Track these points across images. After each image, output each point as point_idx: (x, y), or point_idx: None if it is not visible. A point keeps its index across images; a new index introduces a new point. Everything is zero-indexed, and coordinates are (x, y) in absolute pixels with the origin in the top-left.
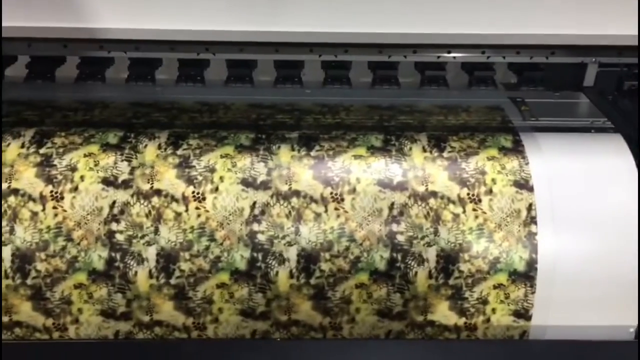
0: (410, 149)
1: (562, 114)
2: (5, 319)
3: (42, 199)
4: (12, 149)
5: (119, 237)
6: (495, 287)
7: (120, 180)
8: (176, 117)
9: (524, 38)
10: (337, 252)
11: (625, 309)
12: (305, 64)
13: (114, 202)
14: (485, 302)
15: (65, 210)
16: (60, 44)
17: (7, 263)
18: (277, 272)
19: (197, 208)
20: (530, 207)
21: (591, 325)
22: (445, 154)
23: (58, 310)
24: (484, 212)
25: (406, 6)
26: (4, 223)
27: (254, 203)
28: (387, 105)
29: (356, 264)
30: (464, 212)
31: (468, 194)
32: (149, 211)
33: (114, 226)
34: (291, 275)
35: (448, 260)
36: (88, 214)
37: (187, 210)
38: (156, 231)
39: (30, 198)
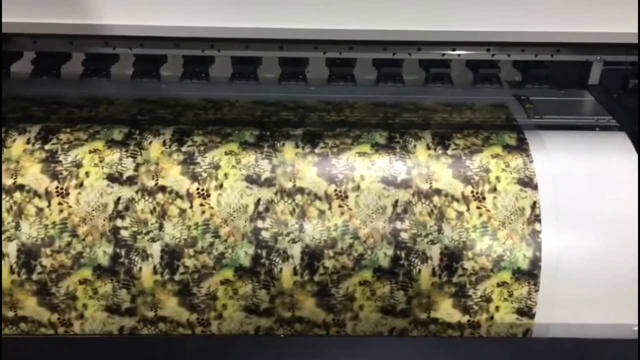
0: (415, 146)
1: (566, 112)
2: (10, 314)
3: (48, 194)
4: (18, 145)
5: (124, 233)
6: (498, 285)
7: (125, 176)
8: (181, 113)
9: (528, 36)
10: (341, 250)
11: (629, 307)
12: (309, 61)
13: (118, 199)
14: (488, 300)
15: (70, 206)
16: (66, 40)
17: (12, 258)
18: (281, 269)
19: (201, 205)
20: (534, 205)
21: (595, 324)
22: (449, 152)
23: (63, 305)
24: (488, 210)
25: (411, 3)
26: (9, 219)
27: (258, 200)
28: (391, 103)
29: (360, 261)
30: (468, 210)
31: (472, 192)
32: (154, 207)
33: (118, 222)
34: (295, 272)
35: (452, 258)
36: (93, 210)
37: (191, 207)
38: (161, 227)
39: (36, 194)
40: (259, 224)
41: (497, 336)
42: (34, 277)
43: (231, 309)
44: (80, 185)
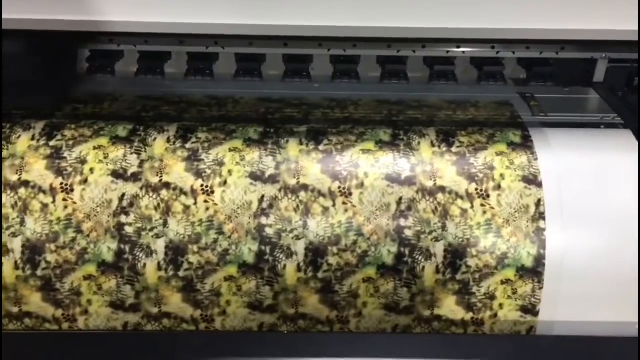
0: (419, 143)
1: (571, 109)
2: (15, 309)
3: (52, 191)
4: (23, 141)
5: (128, 230)
6: (502, 283)
7: (129, 173)
8: (185, 110)
9: (533, 33)
10: (345, 246)
11: (633, 305)
12: (314, 58)
13: (123, 195)
14: (492, 297)
15: (75, 203)
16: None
17: (17, 254)
18: (284, 266)
19: (205, 201)
20: (538, 203)
21: (599, 322)
22: (453, 149)
23: (68, 301)
24: (492, 208)
25: (415, 1)
26: (14, 214)
27: (262, 197)
28: (395, 100)
29: (364, 258)
30: (472, 207)
31: (476, 189)
32: (158, 204)
33: (123, 218)
34: (299, 269)
35: (456, 255)
36: (98, 206)
37: (195, 204)
38: (165, 224)
39: (41, 190)
40: (263, 220)
41: (501, 334)
42: (39, 272)
43: (235, 306)
44: (85, 181)
